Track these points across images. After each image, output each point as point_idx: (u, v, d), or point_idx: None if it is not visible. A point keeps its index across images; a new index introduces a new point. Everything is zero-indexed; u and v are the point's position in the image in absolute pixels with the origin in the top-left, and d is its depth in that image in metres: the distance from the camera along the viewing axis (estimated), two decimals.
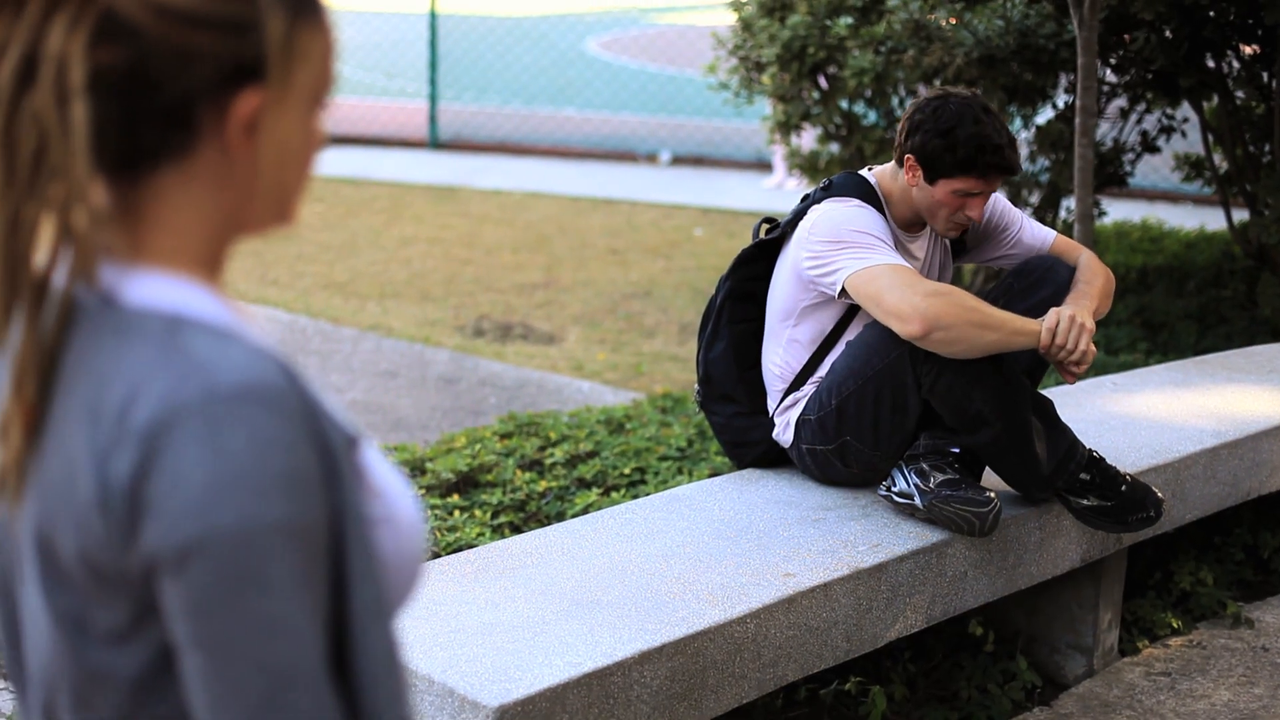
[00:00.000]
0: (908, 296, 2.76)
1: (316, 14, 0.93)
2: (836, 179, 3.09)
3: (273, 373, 0.87)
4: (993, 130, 2.92)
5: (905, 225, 3.09)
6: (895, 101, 6.46)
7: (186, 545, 0.83)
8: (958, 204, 2.97)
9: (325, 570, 0.88)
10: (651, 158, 12.95)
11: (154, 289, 0.90)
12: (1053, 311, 2.86)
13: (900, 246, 3.05)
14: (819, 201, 3.03)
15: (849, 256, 2.88)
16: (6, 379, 0.90)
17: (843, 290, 2.90)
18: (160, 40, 0.86)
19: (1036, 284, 3.05)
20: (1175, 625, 3.54)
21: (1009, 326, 2.81)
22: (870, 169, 3.13)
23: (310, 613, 0.87)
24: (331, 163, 11.63)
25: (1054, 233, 3.24)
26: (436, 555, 3.32)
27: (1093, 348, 2.86)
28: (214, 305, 0.92)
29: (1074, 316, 2.84)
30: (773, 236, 3.15)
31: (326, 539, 0.88)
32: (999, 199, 3.24)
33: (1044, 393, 3.13)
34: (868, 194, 3.02)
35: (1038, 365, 3.09)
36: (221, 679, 0.85)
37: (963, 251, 3.27)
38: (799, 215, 3.07)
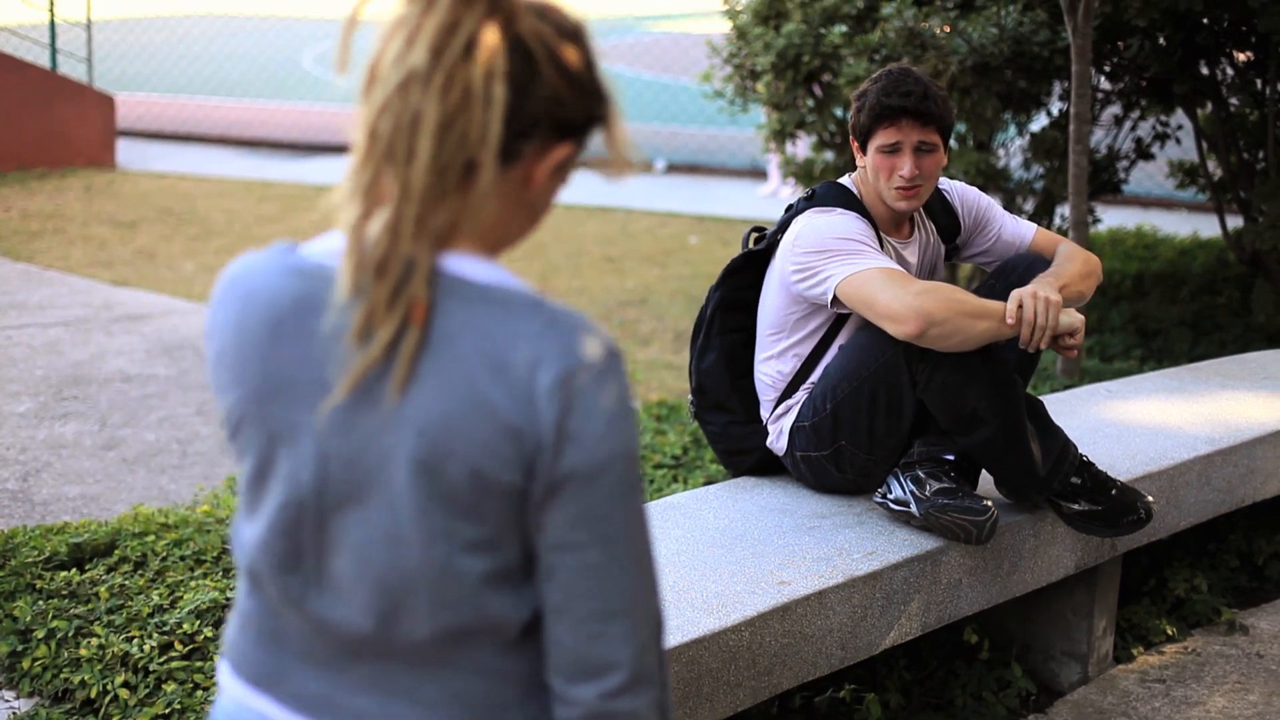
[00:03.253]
0: (900, 296, 2.76)
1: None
2: (818, 189, 3.09)
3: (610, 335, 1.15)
4: (904, 82, 2.92)
5: (892, 227, 3.09)
6: None
7: (601, 463, 1.12)
8: (889, 165, 2.96)
9: None
10: (647, 165, 12.95)
11: (490, 271, 1.16)
12: (1015, 292, 2.80)
13: (889, 251, 3.05)
14: (801, 212, 3.03)
15: (837, 264, 2.88)
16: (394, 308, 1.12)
17: (835, 299, 2.90)
18: (546, 77, 1.14)
19: (1018, 283, 3.03)
20: (1170, 632, 3.54)
21: (999, 313, 2.79)
22: (849, 175, 3.14)
23: None
24: (331, 170, 11.61)
25: (1035, 227, 3.23)
26: None
27: (1079, 318, 2.83)
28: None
29: (1036, 293, 2.79)
30: (760, 248, 3.15)
31: None
32: (981, 199, 3.22)
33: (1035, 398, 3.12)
34: (849, 201, 3.02)
35: (1026, 364, 3.08)
36: (610, 563, 1.14)
37: (955, 252, 3.26)
38: (784, 226, 3.07)
